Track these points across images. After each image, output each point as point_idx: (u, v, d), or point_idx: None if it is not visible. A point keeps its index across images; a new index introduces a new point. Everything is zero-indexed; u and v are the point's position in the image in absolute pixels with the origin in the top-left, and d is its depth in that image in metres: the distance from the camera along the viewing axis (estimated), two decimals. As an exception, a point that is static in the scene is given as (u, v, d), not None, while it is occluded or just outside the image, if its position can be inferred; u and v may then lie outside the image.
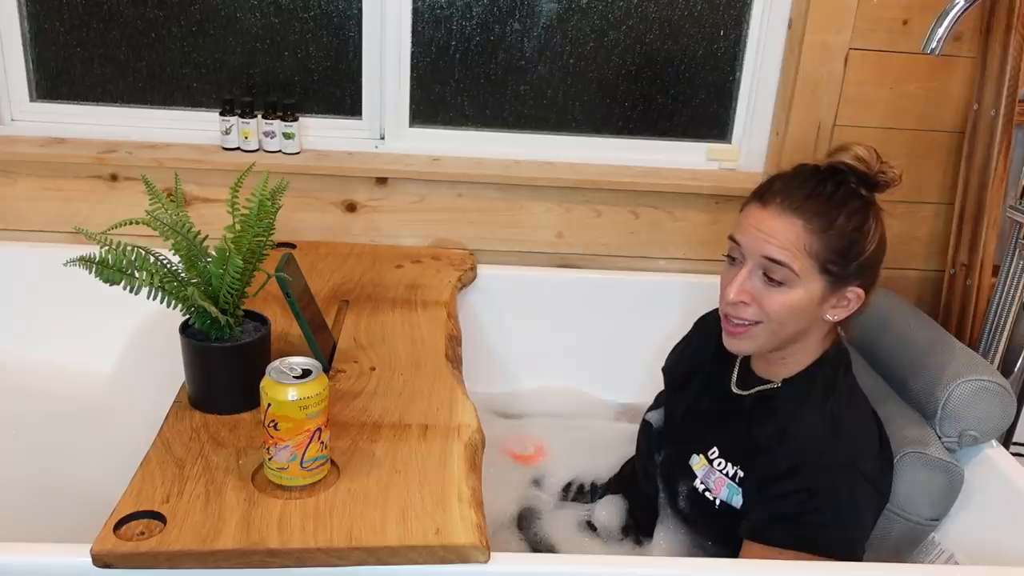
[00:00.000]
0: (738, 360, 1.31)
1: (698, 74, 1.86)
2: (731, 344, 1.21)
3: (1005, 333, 1.62)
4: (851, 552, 1.13)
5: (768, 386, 1.24)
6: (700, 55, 1.85)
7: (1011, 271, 1.60)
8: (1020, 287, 1.59)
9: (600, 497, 1.47)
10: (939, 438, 1.28)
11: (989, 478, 1.27)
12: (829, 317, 1.18)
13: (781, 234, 1.13)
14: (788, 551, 1.12)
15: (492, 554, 0.98)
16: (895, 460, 1.23)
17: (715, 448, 1.24)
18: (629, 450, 1.49)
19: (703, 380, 1.36)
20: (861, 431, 1.19)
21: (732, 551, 1.19)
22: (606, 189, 1.83)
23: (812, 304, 1.15)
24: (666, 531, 1.31)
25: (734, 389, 1.28)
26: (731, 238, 1.19)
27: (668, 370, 1.47)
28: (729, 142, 1.91)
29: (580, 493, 1.52)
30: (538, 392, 1.84)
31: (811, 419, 1.18)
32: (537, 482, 1.54)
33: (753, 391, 1.25)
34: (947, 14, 1.45)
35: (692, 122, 1.90)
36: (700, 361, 1.38)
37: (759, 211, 1.15)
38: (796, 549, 1.11)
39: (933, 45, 1.46)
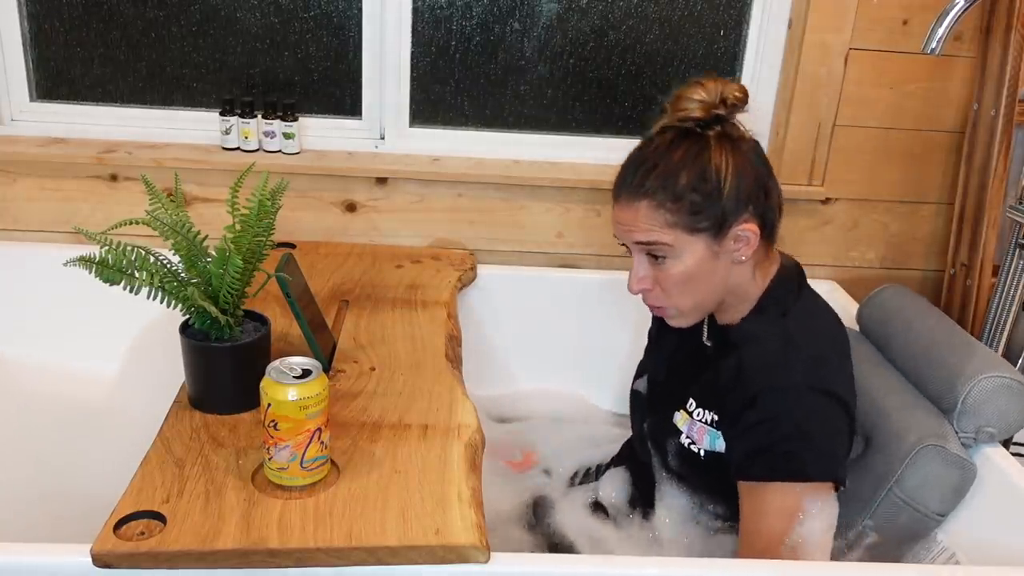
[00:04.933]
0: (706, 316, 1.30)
1: (698, 74, 1.85)
2: (671, 324, 1.23)
3: (1005, 333, 1.63)
4: (830, 473, 1.12)
5: (730, 327, 1.23)
6: (700, 55, 1.85)
7: (1011, 271, 1.60)
8: (1020, 287, 1.59)
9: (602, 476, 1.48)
10: (956, 433, 1.28)
11: (989, 478, 1.27)
12: (737, 260, 1.16)
13: (635, 220, 1.14)
14: (771, 483, 1.11)
15: (492, 554, 0.98)
16: (914, 451, 1.22)
17: (692, 400, 1.24)
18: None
19: (678, 338, 1.35)
20: (816, 346, 1.17)
21: (729, 503, 1.19)
22: (606, 189, 1.80)
23: (707, 262, 1.15)
24: (664, 496, 1.32)
25: (705, 341, 1.28)
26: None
27: (650, 333, 1.47)
28: (729, 142, 1.91)
29: (586, 476, 1.52)
30: (538, 392, 1.84)
31: (763, 344, 1.16)
32: (547, 472, 1.56)
33: (717, 335, 1.25)
34: (947, 14, 1.45)
35: (692, 122, 1.90)
36: None
37: (614, 206, 1.18)
38: (775, 479, 1.11)
39: (933, 45, 1.46)
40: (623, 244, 1.21)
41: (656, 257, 1.16)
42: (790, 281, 1.22)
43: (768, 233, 1.17)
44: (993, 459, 1.29)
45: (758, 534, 1.13)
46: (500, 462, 1.61)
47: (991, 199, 1.71)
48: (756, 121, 1.87)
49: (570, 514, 1.43)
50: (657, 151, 1.15)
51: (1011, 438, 1.57)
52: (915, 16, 1.72)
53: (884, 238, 1.91)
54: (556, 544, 1.38)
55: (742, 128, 1.17)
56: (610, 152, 1.88)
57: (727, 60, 1.85)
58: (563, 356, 1.85)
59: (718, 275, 1.16)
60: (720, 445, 1.19)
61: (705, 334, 1.29)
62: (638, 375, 1.45)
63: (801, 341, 1.16)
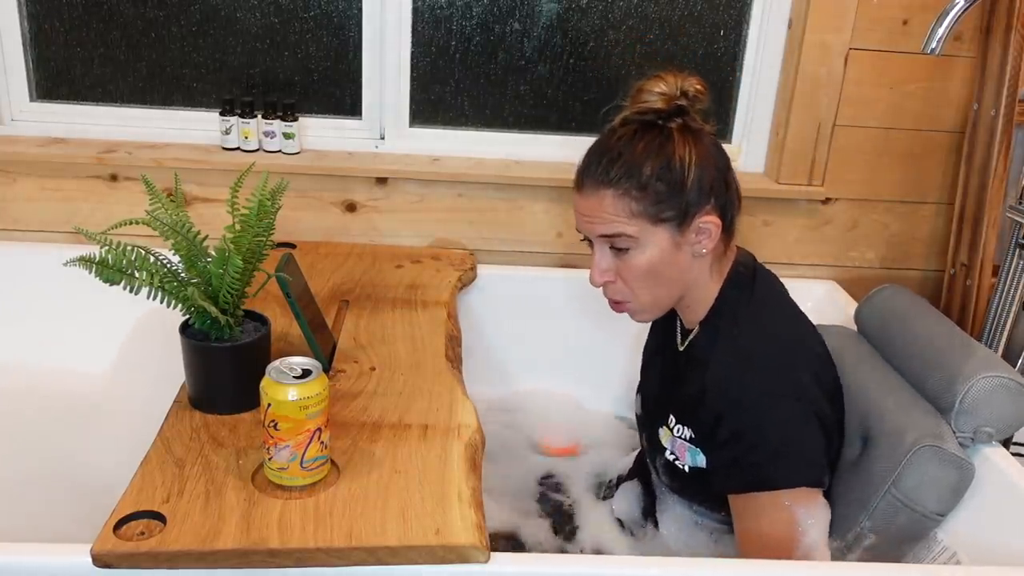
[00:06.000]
0: (677, 317, 1.30)
1: (698, 74, 1.85)
2: (635, 320, 1.24)
3: (1005, 333, 1.63)
4: (804, 476, 1.13)
5: (692, 334, 1.24)
6: (700, 55, 1.85)
7: (1011, 271, 1.60)
8: (1020, 287, 1.59)
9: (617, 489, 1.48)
10: (953, 433, 1.27)
11: (989, 477, 1.27)
12: (698, 253, 1.16)
13: (599, 211, 1.14)
14: (746, 495, 1.13)
15: (492, 554, 0.98)
16: (912, 452, 1.21)
17: (671, 416, 1.25)
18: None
19: (662, 349, 1.35)
20: (769, 351, 1.17)
21: (727, 508, 1.20)
22: (606, 189, 1.82)
23: (669, 254, 1.15)
24: (665, 507, 1.32)
25: (679, 347, 1.28)
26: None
27: (645, 350, 1.47)
28: (729, 142, 1.91)
29: (608, 488, 1.53)
30: (538, 392, 1.84)
31: (721, 362, 1.17)
32: (570, 480, 1.57)
33: (686, 344, 1.26)
34: (947, 14, 1.45)
35: (692, 122, 1.90)
36: (659, 332, 1.38)
37: (577, 196, 1.18)
38: (748, 491, 1.13)
39: (933, 45, 1.46)
40: (584, 239, 1.21)
41: (619, 249, 1.16)
42: (742, 278, 1.22)
43: (728, 226, 1.17)
44: (993, 459, 1.29)
45: (760, 547, 1.13)
46: (545, 450, 1.62)
47: (991, 199, 1.71)
48: (756, 121, 1.87)
49: (597, 531, 1.44)
50: (621, 141, 1.15)
51: (1011, 438, 1.58)
52: (915, 16, 1.72)
53: (884, 238, 1.91)
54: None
55: (701, 121, 1.17)
56: (610, 152, 1.89)
57: (727, 60, 1.85)
58: (563, 357, 1.84)
59: (680, 268, 1.17)
60: (701, 460, 1.20)
61: (679, 339, 1.30)
62: (637, 393, 1.46)
63: (754, 353, 1.16)
